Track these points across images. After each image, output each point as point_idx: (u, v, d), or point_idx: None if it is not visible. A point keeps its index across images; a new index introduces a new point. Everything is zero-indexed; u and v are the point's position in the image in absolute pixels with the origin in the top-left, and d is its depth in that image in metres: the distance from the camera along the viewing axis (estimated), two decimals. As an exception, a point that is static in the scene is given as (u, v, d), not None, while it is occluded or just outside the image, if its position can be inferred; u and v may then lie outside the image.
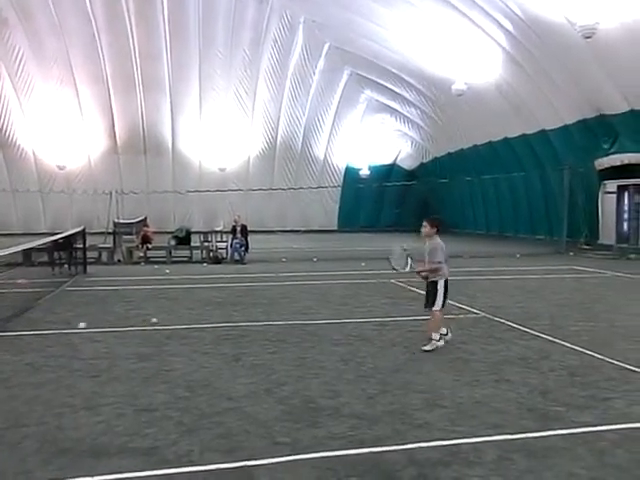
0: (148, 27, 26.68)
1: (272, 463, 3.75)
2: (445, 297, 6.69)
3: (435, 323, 6.69)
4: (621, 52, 16.66)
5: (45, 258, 14.75)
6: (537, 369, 5.88)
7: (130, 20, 26.22)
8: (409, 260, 6.95)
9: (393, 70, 27.32)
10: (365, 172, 34.27)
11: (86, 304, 9.86)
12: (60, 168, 29.93)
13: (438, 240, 6.70)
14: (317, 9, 25.87)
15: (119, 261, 17.32)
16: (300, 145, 33.33)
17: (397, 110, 31.93)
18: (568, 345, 6.87)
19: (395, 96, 30.34)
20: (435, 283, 6.66)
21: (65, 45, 26.73)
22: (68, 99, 28.56)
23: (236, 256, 17.38)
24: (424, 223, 6.75)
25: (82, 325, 7.93)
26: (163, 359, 6.28)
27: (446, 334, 6.81)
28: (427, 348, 6.54)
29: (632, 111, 18.30)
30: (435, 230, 6.72)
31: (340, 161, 34.51)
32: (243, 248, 17.54)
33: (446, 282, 6.68)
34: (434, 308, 6.64)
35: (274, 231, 32.05)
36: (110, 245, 18.76)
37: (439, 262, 6.61)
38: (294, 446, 4.00)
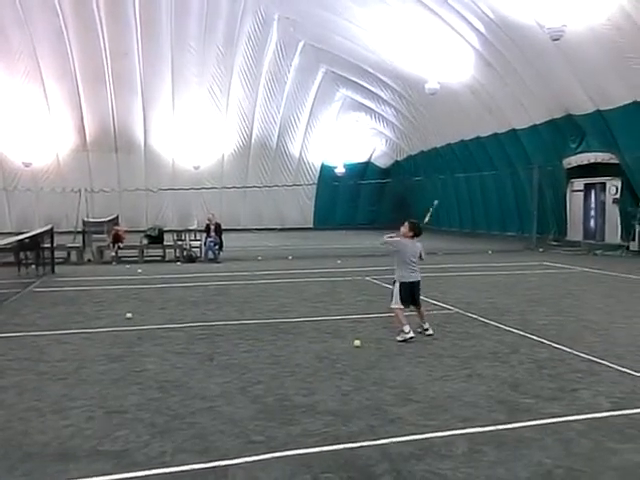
0: (118, 21, 26.16)
1: (247, 462, 3.74)
2: (402, 297, 7.07)
3: (396, 317, 7.12)
4: (587, 54, 16.98)
5: (11, 258, 14.40)
6: (507, 363, 5.99)
7: (99, 13, 25.69)
8: None
9: (368, 69, 27.38)
10: (340, 170, 34.29)
11: (54, 305, 9.68)
12: (26, 165, 29.16)
13: (405, 241, 7.21)
14: (292, 6, 25.77)
15: (89, 261, 17.03)
16: (275, 143, 33.18)
17: (372, 108, 32.02)
18: (537, 339, 7.01)
19: (370, 94, 30.43)
20: (394, 283, 7.26)
21: (31, 38, 26.03)
22: (35, 94, 27.82)
23: (210, 255, 17.26)
24: (405, 224, 7.32)
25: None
26: (134, 360, 6.20)
27: (427, 329, 7.26)
28: (398, 338, 6.93)
29: (598, 111, 18.69)
30: (411, 234, 7.22)
31: (315, 159, 34.47)
32: (217, 247, 17.42)
33: (402, 285, 7.12)
34: (390, 305, 7.18)
35: (249, 229, 31.90)
36: (79, 244, 18.44)
37: (386, 242, 7.28)
38: (268, 444, 4.00)
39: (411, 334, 6.86)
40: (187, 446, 3.99)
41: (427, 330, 7.20)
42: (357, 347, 6.60)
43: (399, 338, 6.89)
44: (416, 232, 7.23)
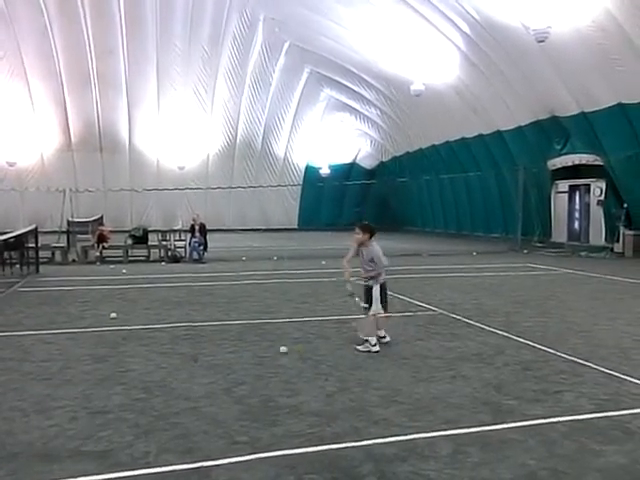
0: (103, 19, 26.00)
1: (230, 463, 3.73)
2: (384, 301, 6.73)
3: (373, 324, 6.69)
4: (572, 56, 17.18)
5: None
6: (492, 364, 6.02)
7: (84, 12, 25.51)
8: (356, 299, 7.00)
9: (353, 69, 27.46)
10: (325, 171, 34.35)
11: (38, 305, 9.58)
12: (10, 165, 28.87)
13: (374, 246, 6.75)
14: (277, 7, 25.78)
15: (74, 261, 16.89)
16: (260, 143, 33.15)
17: (357, 109, 32.11)
18: (522, 340, 7.05)
19: (355, 95, 30.51)
20: (370, 289, 6.69)
21: (15, 37, 25.81)
22: (19, 93, 27.58)
23: (195, 255, 17.19)
24: (356, 229, 6.82)
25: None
26: (119, 360, 6.16)
27: (384, 337, 6.82)
28: (360, 348, 6.51)
29: (582, 113, 18.90)
30: (368, 236, 6.74)
31: (300, 160, 34.48)
32: (202, 247, 17.36)
33: (382, 286, 6.73)
34: (371, 312, 6.67)
35: (234, 230, 31.80)
36: (64, 244, 18.27)
37: (374, 269, 6.64)
38: (253, 445, 3.98)
39: (377, 347, 6.50)
40: (171, 446, 3.96)
41: (384, 337, 6.84)
42: (284, 353, 6.28)
43: (362, 348, 6.49)
44: (372, 231, 6.78)
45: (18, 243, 13.88)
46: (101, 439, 4.08)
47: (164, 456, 3.82)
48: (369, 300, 6.68)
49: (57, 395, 5.02)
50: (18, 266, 13.80)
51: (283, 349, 6.39)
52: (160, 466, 3.68)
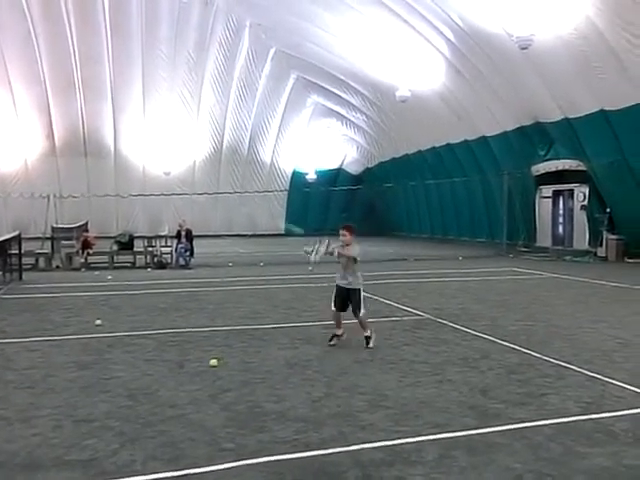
0: (87, 25, 25.87)
1: (217, 470, 3.71)
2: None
3: (366, 321, 7.10)
4: (555, 63, 17.39)
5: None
6: (478, 368, 6.06)
7: (69, 17, 25.37)
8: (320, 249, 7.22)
9: (339, 75, 27.57)
10: (312, 176, 34.40)
11: (21, 312, 9.47)
12: (-6, 170, 28.61)
13: (357, 246, 7.04)
14: (263, 13, 25.82)
15: (58, 267, 16.73)
16: (247, 149, 33.14)
17: (343, 115, 32.23)
18: (507, 344, 7.11)
19: (341, 101, 30.63)
20: (356, 291, 7.01)
21: (-1, 42, 25.62)
22: (2, 99, 27.33)
23: (181, 261, 17.12)
24: (343, 232, 7.04)
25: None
26: (104, 367, 6.10)
27: (341, 335, 7.19)
28: (371, 345, 6.91)
29: (566, 119, 19.13)
30: (353, 236, 7.07)
31: (287, 165, 34.52)
32: (188, 253, 17.29)
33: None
34: (361, 314, 7.00)
35: (220, 235, 31.70)
36: (48, 251, 18.09)
37: (356, 258, 6.96)
38: (239, 452, 3.97)
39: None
40: (157, 454, 3.93)
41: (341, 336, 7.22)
42: (213, 366, 6.06)
43: (372, 344, 6.92)
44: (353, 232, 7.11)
45: (1, 250, 13.70)
46: (86, 447, 4.04)
47: (150, 464, 3.79)
48: (358, 303, 6.99)
49: (41, 403, 4.97)
50: (1, 273, 13.63)
51: (213, 362, 6.15)
52: (146, 474, 3.64)
